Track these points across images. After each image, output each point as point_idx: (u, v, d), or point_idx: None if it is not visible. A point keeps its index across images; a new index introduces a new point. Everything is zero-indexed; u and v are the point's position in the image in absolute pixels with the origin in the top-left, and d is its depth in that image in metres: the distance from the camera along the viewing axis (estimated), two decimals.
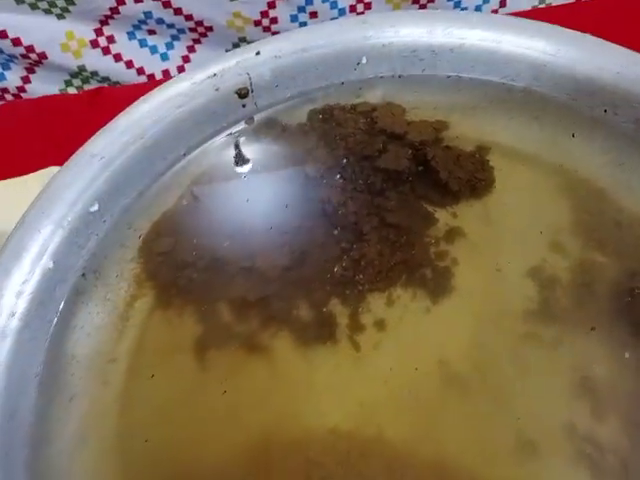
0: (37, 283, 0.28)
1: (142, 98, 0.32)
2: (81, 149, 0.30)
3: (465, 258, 0.31)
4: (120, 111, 0.32)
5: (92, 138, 0.31)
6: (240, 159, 0.34)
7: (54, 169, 0.37)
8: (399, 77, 0.36)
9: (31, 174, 0.38)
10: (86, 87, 0.54)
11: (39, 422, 0.27)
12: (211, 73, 0.33)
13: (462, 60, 0.35)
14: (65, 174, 0.30)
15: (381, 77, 0.36)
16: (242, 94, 0.34)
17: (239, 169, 0.34)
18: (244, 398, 0.28)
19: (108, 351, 0.29)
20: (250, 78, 0.34)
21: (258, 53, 0.34)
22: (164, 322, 0.30)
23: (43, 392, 0.27)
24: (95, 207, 0.30)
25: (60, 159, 0.32)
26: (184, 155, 0.34)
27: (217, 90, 0.33)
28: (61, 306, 0.29)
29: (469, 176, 0.32)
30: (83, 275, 0.30)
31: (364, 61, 0.35)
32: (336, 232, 0.31)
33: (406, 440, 0.26)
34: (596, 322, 0.28)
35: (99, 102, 0.48)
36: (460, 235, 0.31)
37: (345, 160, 0.33)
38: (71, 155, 0.31)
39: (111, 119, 0.32)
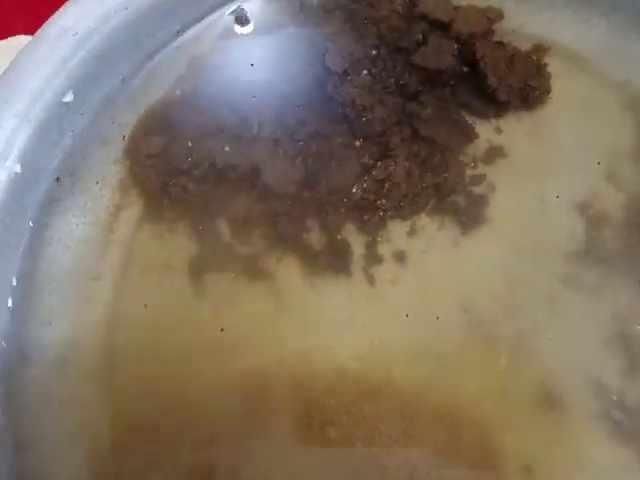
0: (2, 190, 0.23)
1: None
2: (49, 21, 0.24)
3: (504, 183, 0.27)
4: None
5: (63, 7, 0.24)
6: (247, 42, 0.28)
7: (23, 38, 0.31)
8: None
9: None
10: None
11: (13, 347, 0.24)
12: None
13: None
14: (29, 54, 0.24)
15: None
16: None
17: (245, 55, 0.28)
18: (243, 330, 0.25)
19: (91, 268, 0.26)
20: None
21: None
22: (154, 238, 0.26)
23: (17, 315, 0.24)
24: (69, 97, 0.25)
25: (31, 26, 0.25)
26: (178, 33, 0.28)
27: None
28: (33, 216, 0.25)
29: (522, 84, 0.27)
30: (57, 179, 0.25)
31: None
32: (358, 144, 0.27)
33: (418, 386, 0.25)
34: None
35: None
36: (502, 156, 0.28)
37: (375, 52, 0.27)
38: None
39: None
